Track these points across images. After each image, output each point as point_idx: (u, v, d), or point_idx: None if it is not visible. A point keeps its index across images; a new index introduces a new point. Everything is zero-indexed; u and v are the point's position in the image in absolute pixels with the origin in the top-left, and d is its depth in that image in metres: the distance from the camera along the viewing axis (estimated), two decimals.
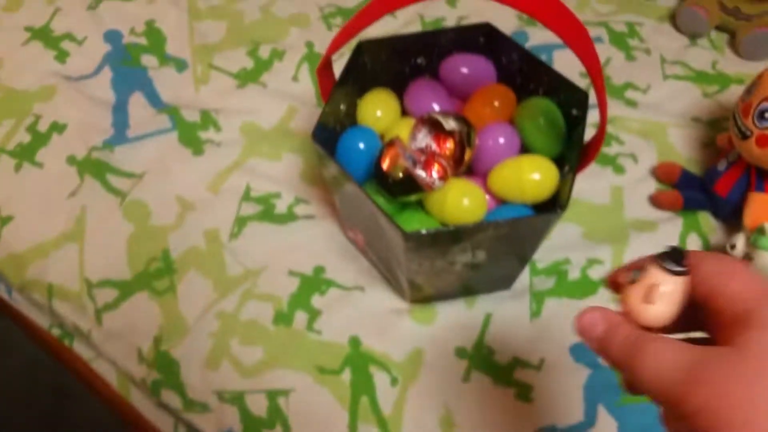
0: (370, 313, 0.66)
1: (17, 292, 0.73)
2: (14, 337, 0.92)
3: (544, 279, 0.66)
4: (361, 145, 0.61)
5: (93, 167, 0.74)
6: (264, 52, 0.85)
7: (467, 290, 0.66)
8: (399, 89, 0.67)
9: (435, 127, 0.59)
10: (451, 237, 0.52)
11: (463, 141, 0.58)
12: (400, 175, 0.57)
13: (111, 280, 0.68)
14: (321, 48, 0.85)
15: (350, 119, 0.64)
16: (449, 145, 0.59)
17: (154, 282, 0.67)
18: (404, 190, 0.58)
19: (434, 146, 0.59)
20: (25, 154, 0.76)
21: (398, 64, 0.67)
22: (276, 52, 0.84)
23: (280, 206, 0.73)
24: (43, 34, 0.85)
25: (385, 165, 0.58)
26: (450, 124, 0.58)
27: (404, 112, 0.66)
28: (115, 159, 0.75)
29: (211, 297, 0.66)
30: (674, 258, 0.30)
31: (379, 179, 0.58)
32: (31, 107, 0.79)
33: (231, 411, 0.61)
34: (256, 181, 0.74)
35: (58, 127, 0.78)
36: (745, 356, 0.26)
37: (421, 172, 0.56)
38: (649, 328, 0.31)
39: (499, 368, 0.62)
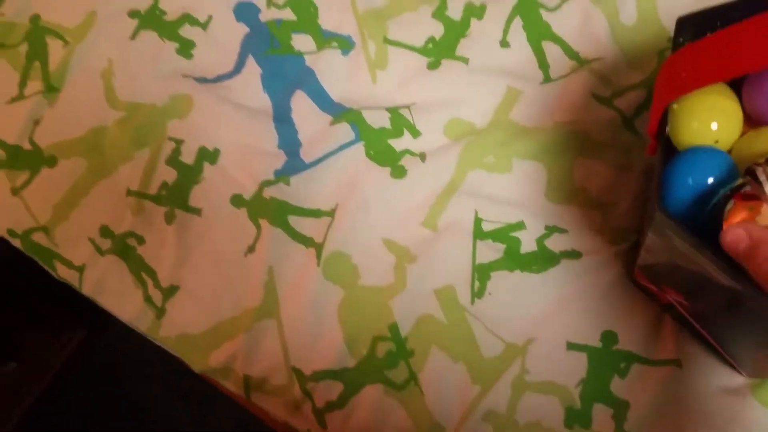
0: (695, 397, 0.47)
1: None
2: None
3: None
4: (711, 181, 0.39)
5: (269, 209, 0.56)
6: (455, 9, 0.60)
7: None
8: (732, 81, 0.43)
9: None
10: None
11: None
12: None
13: (329, 370, 0.52)
14: None
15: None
16: None
17: (388, 372, 0.50)
18: None
19: None
20: (175, 198, 0.58)
21: None
22: (471, 7, 0.60)
23: (527, 242, 0.53)
24: (153, 20, 0.63)
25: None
26: None
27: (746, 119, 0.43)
28: (294, 194, 0.56)
29: (471, 391, 0.49)
30: None
31: (717, 247, 0.36)
32: (165, 129, 0.60)
33: None
34: (485, 206, 0.54)
35: (208, 155, 0.59)
36: None
37: None
38: None
39: None
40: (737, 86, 0.41)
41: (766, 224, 0.34)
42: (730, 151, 0.40)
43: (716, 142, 0.39)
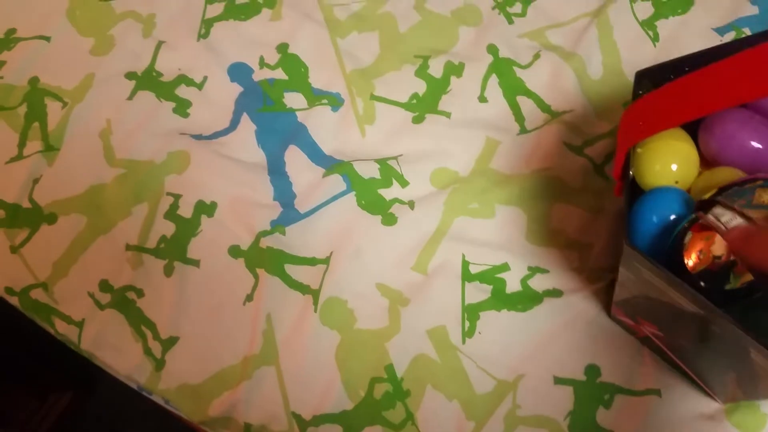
0: (676, 424, 0.51)
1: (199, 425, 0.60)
2: None
3: None
4: (673, 217, 0.45)
5: (266, 259, 0.60)
6: (436, 67, 0.66)
7: None
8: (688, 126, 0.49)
9: None
10: None
11: None
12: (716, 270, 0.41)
13: (328, 413, 0.54)
14: (508, 51, 0.66)
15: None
16: None
17: (386, 412, 0.54)
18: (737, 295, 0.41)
19: None
20: (174, 250, 0.61)
21: None
22: (451, 66, 0.66)
23: (512, 282, 0.57)
24: (150, 81, 0.68)
25: (690, 261, 0.41)
26: None
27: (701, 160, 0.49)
28: (290, 243, 0.60)
29: (466, 427, 0.52)
30: None
31: (680, 276, 0.41)
32: (163, 184, 0.64)
33: None
34: (471, 250, 0.59)
35: (206, 208, 0.62)
36: None
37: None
38: None
39: None
40: (694, 131, 0.47)
41: (720, 253, 0.39)
42: (689, 190, 0.46)
43: (676, 182, 0.45)
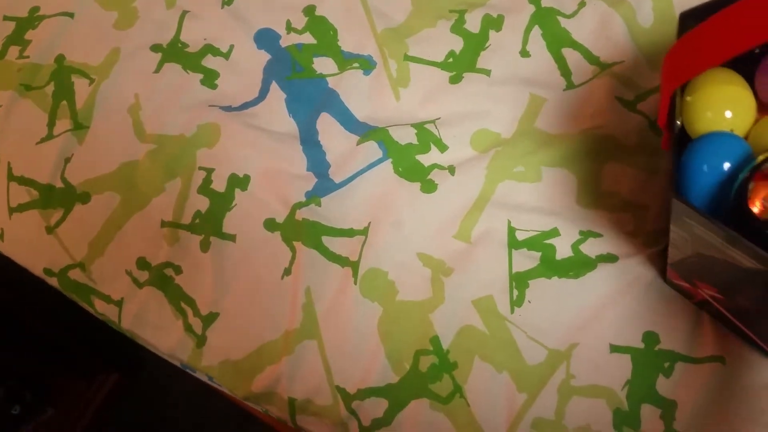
0: (742, 392, 0.51)
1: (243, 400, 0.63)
2: None
3: None
4: (727, 166, 0.43)
5: (303, 231, 0.61)
6: (473, 22, 0.66)
7: None
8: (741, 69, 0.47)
9: None
10: None
11: None
12: None
13: (373, 387, 0.56)
14: (552, 0, 0.65)
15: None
16: None
17: (432, 385, 0.55)
18: None
19: None
20: (209, 225, 0.63)
21: None
22: (489, 19, 0.65)
23: (563, 248, 0.57)
24: (176, 52, 0.70)
25: (756, 208, 0.40)
26: None
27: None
28: (326, 214, 0.61)
29: (518, 399, 0.53)
30: None
31: (743, 225, 0.40)
32: (194, 158, 0.65)
33: None
34: (517, 216, 0.59)
35: (239, 182, 0.64)
36: None
37: None
38: None
39: None
40: (749, 76, 0.46)
41: None
42: (745, 138, 0.44)
43: (731, 130, 0.43)
